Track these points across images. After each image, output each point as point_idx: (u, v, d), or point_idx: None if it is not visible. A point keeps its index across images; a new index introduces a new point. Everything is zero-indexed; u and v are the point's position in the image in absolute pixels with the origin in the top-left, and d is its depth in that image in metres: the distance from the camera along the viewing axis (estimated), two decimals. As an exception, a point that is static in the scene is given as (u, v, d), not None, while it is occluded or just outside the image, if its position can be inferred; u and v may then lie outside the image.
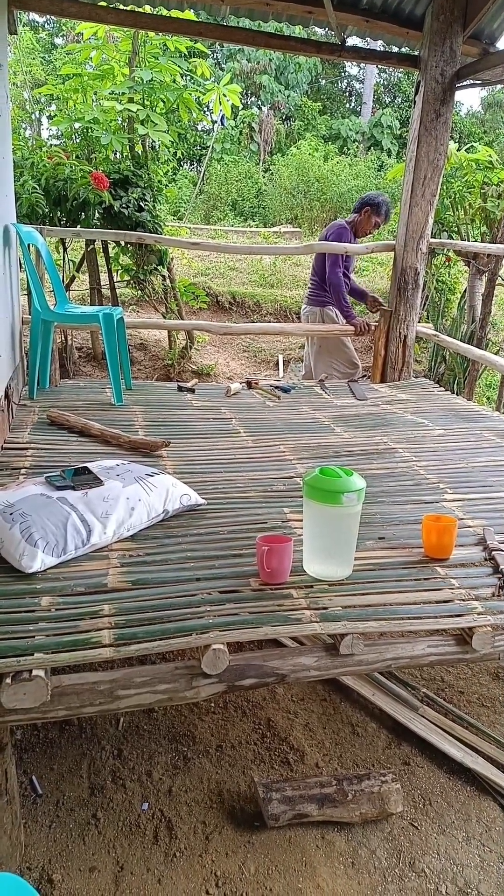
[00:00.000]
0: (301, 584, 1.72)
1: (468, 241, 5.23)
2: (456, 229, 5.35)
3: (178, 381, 4.80)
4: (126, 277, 5.02)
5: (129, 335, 5.33)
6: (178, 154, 11.43)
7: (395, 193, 9.53)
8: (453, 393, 4.57)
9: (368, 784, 1.78)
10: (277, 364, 6.13)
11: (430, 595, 1.71)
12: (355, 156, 14.68)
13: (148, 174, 4.84)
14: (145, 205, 4.64)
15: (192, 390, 3.68)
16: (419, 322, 4.33)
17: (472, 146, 5.61)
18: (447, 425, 3.23)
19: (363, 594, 1.69)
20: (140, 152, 4.97)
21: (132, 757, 1.94)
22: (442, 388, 4.16)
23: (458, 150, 5.38)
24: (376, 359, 4.27)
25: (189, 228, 9.18)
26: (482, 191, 4.97)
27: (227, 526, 2.04)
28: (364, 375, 4.42)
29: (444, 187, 5.18)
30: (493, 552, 1.89)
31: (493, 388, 5.76)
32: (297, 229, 10.66)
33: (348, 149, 15.39)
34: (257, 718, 2.11)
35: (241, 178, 13.10)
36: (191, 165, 15.95)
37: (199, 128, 14.74)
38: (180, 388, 3.70)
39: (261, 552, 1.69)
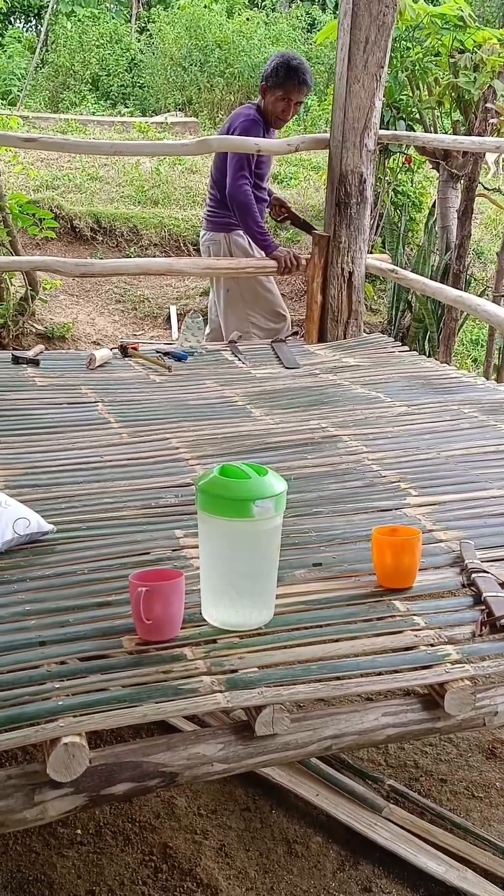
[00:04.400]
0: (198, 638, 1.74)
1: (434, 132, 5.42)
2: (417, 116, 5.54)
3: (13, 348, 4.74)
4: None
5: None
6: (3, 6, 11.22)
7: (331, 63, 9.70)
8: (422, 353, 4.73)
9: (311, 924, 1.83)
10: (168, 319, 6.14)
11: (386, 641, 1.76)
12: (273, 9, 14.87)
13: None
14: (-49, 81, 4.54)
15: (35, 362, 3.68)
16: (371, 252, 4.46)
17: (435, -5, 5.81)
18: (412, 400, 3.34)
19: (288, 647, 1.72)
20: None
21: (-44, 922, 1.91)
22: (406, 348, 4.29)
23: (416, 0, 5.56)
24: (311, 308, 4.35)
25: (25, 118, 9.04)
26: (451, 60, 5.16)
27: (87, 562, 2.03)
28: (295, 332, 4.50)
29: (398, 55, 5.35)
30: (473, 574, 1.97)
31: (481, 347, 6.00)
32: (192, 119, 10.72)
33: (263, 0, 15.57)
34: (147, 846, 2.12)
35: (105, 42, 13.01)
36: (27, 23, 15.69)
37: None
38: (17, 360, 3.70)
39: (136, 596, 1.70)
